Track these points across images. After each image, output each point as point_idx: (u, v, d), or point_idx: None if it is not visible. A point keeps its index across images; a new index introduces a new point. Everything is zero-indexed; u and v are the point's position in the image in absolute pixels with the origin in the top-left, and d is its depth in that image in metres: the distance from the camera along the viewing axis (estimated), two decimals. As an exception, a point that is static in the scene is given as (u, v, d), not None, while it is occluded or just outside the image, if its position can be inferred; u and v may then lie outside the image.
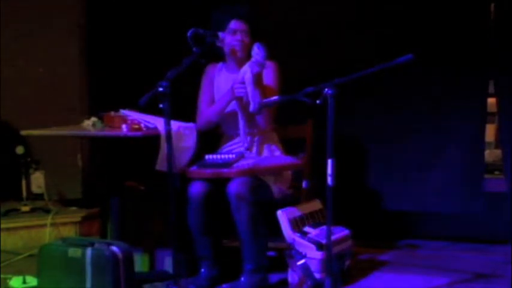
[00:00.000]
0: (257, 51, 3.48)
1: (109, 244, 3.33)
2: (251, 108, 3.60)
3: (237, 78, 3.65)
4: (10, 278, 3.74)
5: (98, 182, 4.35)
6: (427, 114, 4.47)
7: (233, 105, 3.75)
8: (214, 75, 3.91)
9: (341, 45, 4.51)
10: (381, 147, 4.58)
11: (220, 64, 3.92)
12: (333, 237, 3.49)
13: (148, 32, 4.75)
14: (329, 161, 3.16)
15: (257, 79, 3.56)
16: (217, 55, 3.85)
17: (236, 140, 3.82)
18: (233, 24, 3.73)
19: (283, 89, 3.75)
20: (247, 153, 3.75)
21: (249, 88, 3.58)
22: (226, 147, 3.85)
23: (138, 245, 3.84)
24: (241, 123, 3.75)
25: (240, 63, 3.70)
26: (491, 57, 4.25)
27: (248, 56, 3.58)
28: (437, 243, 4.48)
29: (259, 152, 3.79)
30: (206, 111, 3.85)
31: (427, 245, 4.48)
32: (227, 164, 3.59)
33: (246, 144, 3.76)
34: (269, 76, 3.75)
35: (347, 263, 3.80)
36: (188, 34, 3.44)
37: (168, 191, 3.29)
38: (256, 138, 3.79)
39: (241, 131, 3.76)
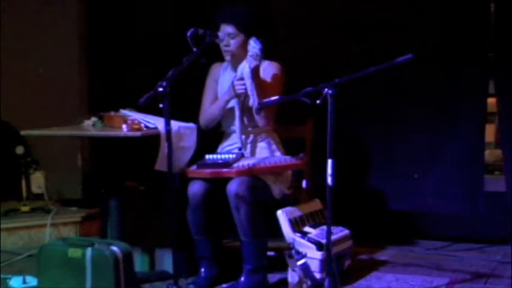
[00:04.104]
0: (253, 45, 3.52)
1: (109, 244, 3.33)
2: (251, 102, 3.62)
3: (236, 76, 3.69)
4: (10, 278, 3.74)
5: (98, 182, 4.35)
6: (427, 114, 4.47)
7: (233, 102, 3.76)
8: (219, 74, 3.92)
9: (341, 45, 4.51)
10: (381, 147, 4.58)
11: (225, 63, 3.92)
12: (333, 237, 3.49)
13: (148, 32, 4.75)
14: (329, 161, 3.17)
15: (255, 73, 3.58)
16: (221, 54, 3.85)
17: (235, 137, 3.83)
18: (222, 28, 3.74)
19: (283, 89, 3.76)
20: (243, 152, 3.75)
21: (248, 82, 3.61)
22: (226, 146, 3.86)
23: (138, 245, 3.84)
24: (237, 122, 3.75)
25: (240, 62, 3.71)
26: (491, 57, 4.25)
27: (246, 54, 3.59)
28: (437, 243, 4.47)
29: (253, 152, 3.79)
30: (209, 110, 3.86)
31: (427, 245, 4.48)
32: (227, 163, 3.59)
33: (240, 144, 3.76)
34: (273, 77, 3.77)
35: (347, 263, 3.80)
36: (188, 34, 3.44)
37: (168, 191, 3.29)
38: (251, 137, 3.80)
39: (237, 131, 3.77)
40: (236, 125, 3.77)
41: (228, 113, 3.80)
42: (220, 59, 3.88)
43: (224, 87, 3.84)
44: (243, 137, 3.79)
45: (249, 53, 3.53)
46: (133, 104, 3.59)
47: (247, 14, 3.77)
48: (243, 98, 3.70)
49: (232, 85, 3.68)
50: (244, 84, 3.62)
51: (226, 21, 3.73)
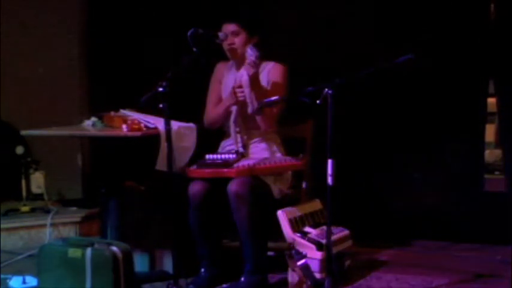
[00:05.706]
0: (250, 52, 3.54)
1: (109, 244, 3.33)
2: (250, 110, 3.63)
3: (236, 83, 3.70)
4: (10, 278, 3.74)
5: (98, 182, 4.35)
6: (427, 114, 4.47)
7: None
8: (223, 75, 3.93)
9: (341, 45, 4.51)
10: (381, 147, 4.58)
11: (230, 62, 3.91)
12: (333, 237, 3.49)
13: (148, 32, 4.75)
14: (329, 161, 3.17)
15: (254, 80, 3.60)
16: (222, 53, 3.85)
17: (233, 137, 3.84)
18: (224, 27, 3.74)
19: (287, 90, 3.76)
20: (243, 152, 3.76)
21: (247, 90, 3.62)
22: (227, 145, 3.86)
23: (138, 245, 3.84)
24: (233, 127, 3.77)
25: (242, 63, 3.71)
26: (491, 57, 4.26)
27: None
28: (437, 243, 4.47)
29: (253, 152, 3.79)
30: (212, 112, 3.87)
31: (427, 245, 4.48)
32: (227, 163, 3.59)
33: (235, 148, 3.76)
34: (278, 79, 3.77)
35: (347, 263, 3.80)
36: (188, 34, 3.44)
37: (168, 191, 3.29)
38: (252, 139, 3.80)
39: (232, 135, 3.78)
40: (231, 129, 3.78)
41: (230, 113, 3.80)
42: (222, 58, 3.88)
43: (228, 88, 3.84)
44: (245, 137, 3.80)
45: (247, 61, 3.55)
46: (133, 104, 3.59)
47: (249, 12, 3.79)
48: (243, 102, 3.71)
49: (233, 91, 3.69)
50: (243, 92, 3.64)
51: (229, 19, 3.73)
